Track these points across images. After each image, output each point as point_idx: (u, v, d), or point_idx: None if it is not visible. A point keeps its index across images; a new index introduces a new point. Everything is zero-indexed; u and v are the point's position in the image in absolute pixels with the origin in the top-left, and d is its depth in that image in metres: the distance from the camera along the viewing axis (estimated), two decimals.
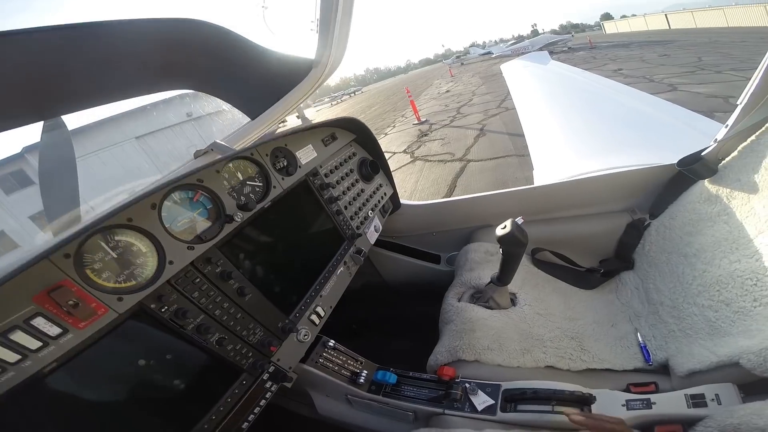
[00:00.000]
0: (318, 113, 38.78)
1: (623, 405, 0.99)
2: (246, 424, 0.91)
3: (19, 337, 0.57)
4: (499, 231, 1.09)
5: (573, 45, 28.54)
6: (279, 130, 1.61)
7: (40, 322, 0.59)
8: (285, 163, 1.20)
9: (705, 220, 1.23)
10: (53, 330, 0.61)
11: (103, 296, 0.68)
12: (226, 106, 1.72)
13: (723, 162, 1.26)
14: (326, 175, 1.39)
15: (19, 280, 0.56)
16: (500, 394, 1.07)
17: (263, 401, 0.96)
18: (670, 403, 0.96)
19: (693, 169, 1.32)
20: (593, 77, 3.87)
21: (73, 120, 1.36)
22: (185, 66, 1.40)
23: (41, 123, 1.30)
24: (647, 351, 1.19)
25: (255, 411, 0.94)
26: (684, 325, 1.13)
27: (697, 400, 0.93)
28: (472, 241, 1.72)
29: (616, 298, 1.43)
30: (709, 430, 0.83)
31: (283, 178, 1.18)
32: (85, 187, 1.49)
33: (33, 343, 0.58)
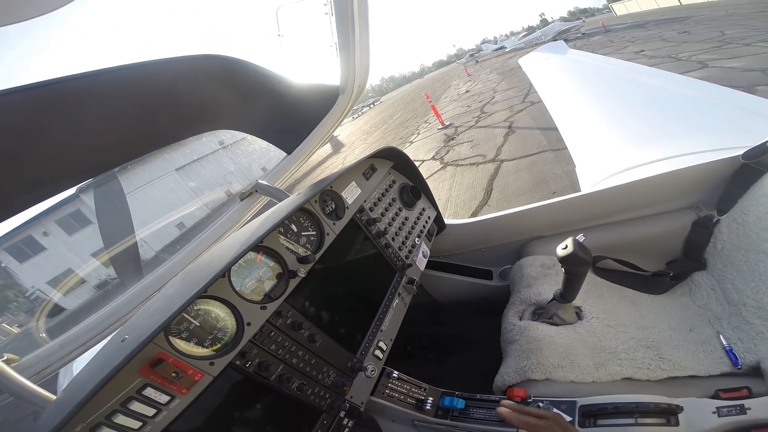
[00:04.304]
0: (341, 127, 39.33)
1: (714, 412, 0.93)
2: None
3: (137, 406, 0.66)
4: (561, 251, 1.06)
5: (586, 30, 27.76)
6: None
7: (150, 392, 0.68)
8: (333, 206, 1.24)
9: None
10: (162, 398, 0.69)
11: (197, 363, 0.75)
12: (263, 144, 1.77)
13: None
14: (371, 209, 1.42)
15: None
16: (577, 410, 1.04)
17: None
18: (767, 407, 0.90)
19: (761, 161, 1.23)
20: (617, 62, 3.73)
21: None
22: (215, 105, 1.45)
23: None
24: (734, 354, 1.11)
25: None
26: None
27: None
28: (524, 255, 1.67)
29: (690, 301, 1.34)
30: None
31: (334, 223, 1.22)
32: (136, 222, 1.60)
33: (149, 411, 0.67)
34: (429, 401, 1.18)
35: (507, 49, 40.30)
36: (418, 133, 13.86)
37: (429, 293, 2.00)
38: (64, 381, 1.78)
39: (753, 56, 7.89)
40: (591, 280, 1.47)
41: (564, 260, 1.06)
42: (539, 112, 8.70)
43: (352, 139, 24.50)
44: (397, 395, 1.19)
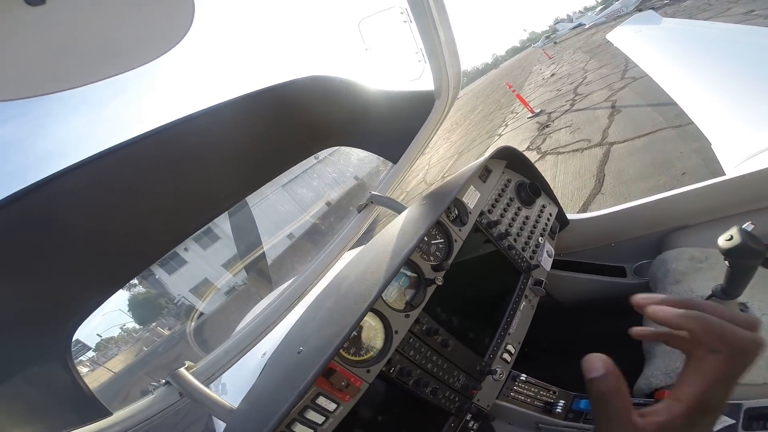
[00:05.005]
0: None
1: None
2: None
3: (312, 415, 0.72)
4: (724, 243, 0.92)
5: None
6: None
7: (322, 401, 0.74)
8: (457, 213, 1.25)
9: None
10: (331, 406, 0.75)
11: (358, 371, 0.81)
12: (363, 153, 1.86)
13: None
14: (490, 212, 1.40)
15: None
16: (742, 413, 0.93)
17: None
18: None
19: None
20: (728, 27, 3.15)
21: None
22: (324, 124, 1.53)
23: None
24: None
25: None
26: None
27: None
28: (665, 248, 1.49)
29: None
30: None
31: (459, 229, 1.23)
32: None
33: (319, 419, 0.73)
34: (560, 404, 1.14)
35: (586, 26, 37.01)
36: (506, 125, 13.22)
37: (549, 293, 1.90)
38: (216, 386, 1.99)
39: None
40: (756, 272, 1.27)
41: (729, 253, 0.91)
42: (644, 87, 7.67)
43: (435, 138, 24.28)
44: (522, 398, 1.18)
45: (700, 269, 1.33)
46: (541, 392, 1.19)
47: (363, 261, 1.06)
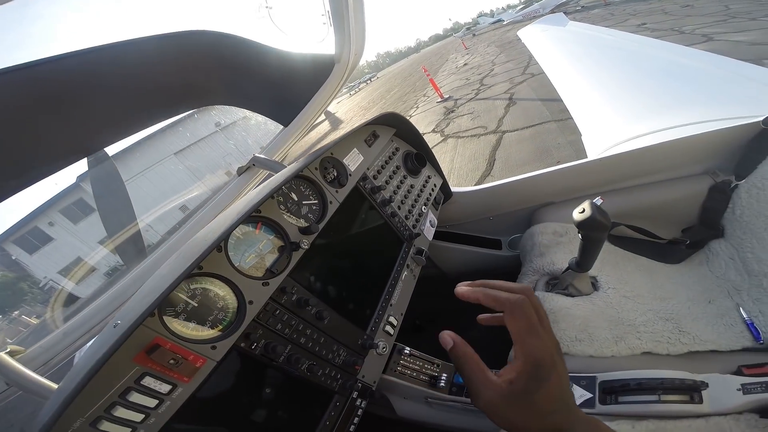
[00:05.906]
0: (338, 105, 38.84)
1: (739, 390, 0.90)
2: None
3: (137, 398, 0.60)
4: (578, 215, 0.99)
5: (585, 3, 27.22)
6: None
7: (149, 382, 0.62)
8: (335, 174, 1.17)
9: None
10: (163, 387, 0.64)
11: (197, 347, 0.69)
12: (260, 118, 1.72)
13: None
14: (374, 177, 1.35)
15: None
16: (597, 386, 1.01)
17: (356, 419, 0.99)
18: None
19: None
20: (620, 34, 3.62)
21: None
22: (206, 81, 1.39)
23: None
24: (755, 328, 1.06)
25: (351, 429, 0.97)
26: None
27: None
28: (534, 222, 1.62)
29: (708, 271, 1.28)
30: None
31: (336, 191, 1.14)
32: (139, 207, 1.56)
33: (150, 402, 0.62)
34: (443, 378, 1.15)
35: (505, 22, 39.89)
36: (417, 107, 13.66)
37: (436, 264, 1.96)
38: None
39: (759, 30, 7.69)
40: (605, 248, 1.41)
41: (582, 225, 0.99)
42: (540, 83, 8.60)
43: (350, 115, 24.19)
44: (409, 372, 1.15)
45: (560, 242, 1.45)
46: (426, 365, 1.19)
47: (216, 221, 0.93)
